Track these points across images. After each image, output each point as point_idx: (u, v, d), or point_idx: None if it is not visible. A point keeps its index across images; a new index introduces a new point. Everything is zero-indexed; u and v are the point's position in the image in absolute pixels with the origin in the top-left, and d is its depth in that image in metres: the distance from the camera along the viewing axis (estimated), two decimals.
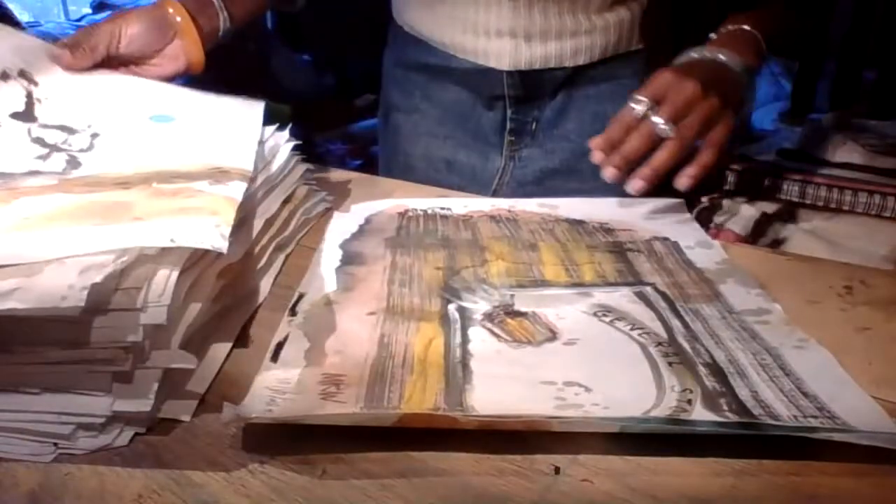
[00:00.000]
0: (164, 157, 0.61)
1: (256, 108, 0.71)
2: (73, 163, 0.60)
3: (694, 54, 0.76)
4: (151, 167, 0.59)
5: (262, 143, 0.67)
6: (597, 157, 0.69)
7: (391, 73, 0.99)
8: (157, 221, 0.48)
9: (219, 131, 0.67)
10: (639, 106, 0.69)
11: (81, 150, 0.62)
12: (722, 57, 0.74)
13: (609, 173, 0.68)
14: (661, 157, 0.68)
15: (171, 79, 0.77)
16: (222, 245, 0.46)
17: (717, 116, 0.70)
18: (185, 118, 0.69)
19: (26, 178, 0.57)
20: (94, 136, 0.64)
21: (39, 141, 0.62)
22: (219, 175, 0.57)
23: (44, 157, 0.60)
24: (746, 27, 0.77)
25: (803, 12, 0.87)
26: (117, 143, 0.64)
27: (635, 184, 0.68)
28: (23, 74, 0.67)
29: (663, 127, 0.68)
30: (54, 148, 0.61)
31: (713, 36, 0.79)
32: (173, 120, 0.68)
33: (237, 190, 0.54)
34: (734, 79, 0.74)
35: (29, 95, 0.66)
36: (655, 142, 0.68)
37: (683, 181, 0.69)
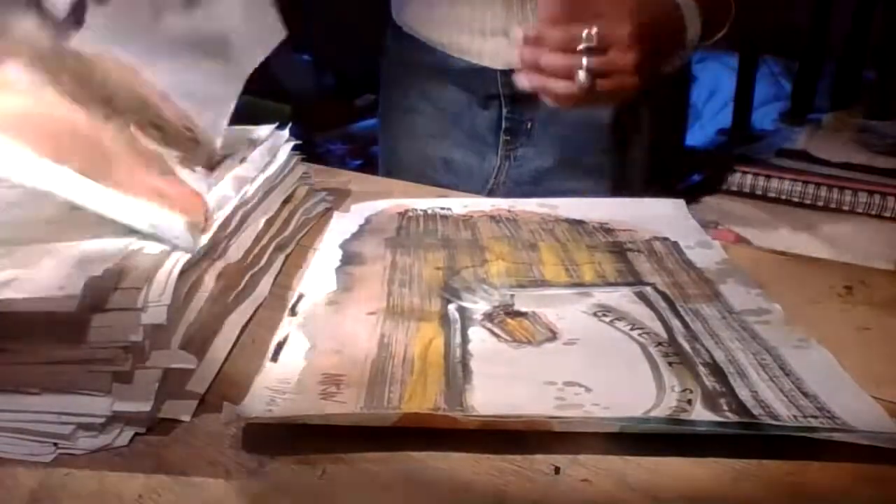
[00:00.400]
0: (154, 72, 0.57)
1: (245, 63, 0.64)
2: (79, 9, 0.56)
3: None
4: (138, 87, 0.56)
5: (261, 142, 0.67)
6: (518, 40, 0.70)
7: (390, 73, 1.00)
8: (136, 201, 0.47)
9: (209, 72, 0.62)
10: (583, 44, 0.68)
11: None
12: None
13: (521, 76, 0.70)
14: (556, 91, 0.69)
15: None
16: (193, 247, 0.47)
17: (628, 84, 0.70)
18: (198, 16, 0.62)
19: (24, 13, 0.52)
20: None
21: None
22: (188, 144, 0.56)
23: None
24: None
25: None
26: (125, 11, 0.59)
27: (523, 83, 0.70)
28: None
29: (582, 76, 0.67)
30: None
31: None
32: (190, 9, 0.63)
33: (202, 182, 0.53)
34: (678, 28, 0.73)
35: None
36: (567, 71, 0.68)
37: (542, 96, 0.70)
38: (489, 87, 0.89)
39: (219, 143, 0.58)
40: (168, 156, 0.53)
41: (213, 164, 0.56)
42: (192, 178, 0.53)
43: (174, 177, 0.52)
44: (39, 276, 0.41)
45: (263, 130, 0.69)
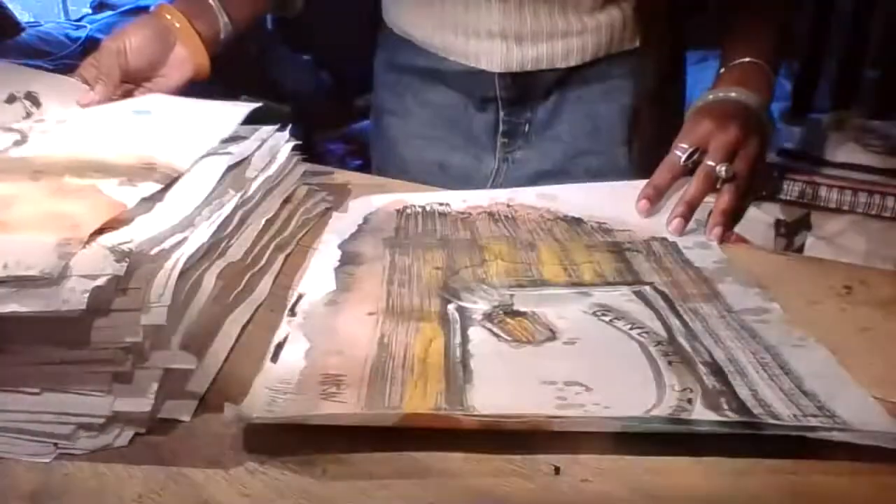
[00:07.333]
0: (103, 145, 0.60)
1: (239, 110, 0.69)
2: (20, 141, 0.60)
3: (710, 96, 0.77)
4: (84, 155, 0.58)
5: (262, 142, 0.67)
6: (643, 206, 0.71)
7: (382, 76, 0.99)
8: (10, 237, 0.45)
9: (180, 127, 0.66)
10: (683, 154, 0.71)
11: (38, 133, 0.61)
12: (741, 97, 0.75)
13: (675, 225, 0.68)
14: (726, 200, 0.69)
15: (180, 87, 0.79)
16: (55, 268, 0.41)
17: (756, 160, 0.72)
18: (162, 113, 0.68)
19: None
20: (61, 122, 0.63)
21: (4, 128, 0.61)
22: (142, 171, 0.56)
23: None
24: (750, 59, 0.78)
25: (782, 13, 0.87)
26: (76, 129, 0.63)
27: (716, 232, 0.68)
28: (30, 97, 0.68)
29: (721, 168, 0.69)
30: (9, 129, 0.60)
31: (722, 71, 0.80)
32: (149, 114, 0.67)
33: (139, 192, 0.53)
34: (758, 117, 0.75)
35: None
36: (712, 186, 0.70)
37: (716, 231, 0.68)
38: (486, 89, 0.88)
39: (183, 166, 0.59)
40: (103, 185, 0.54)
41: (169, 180, 0.56)
42: (123, 192, 0.53)
43: (97, 194, 0.52)
44: (43, 287, 0.40)
45: (263, 131, 0.69)
